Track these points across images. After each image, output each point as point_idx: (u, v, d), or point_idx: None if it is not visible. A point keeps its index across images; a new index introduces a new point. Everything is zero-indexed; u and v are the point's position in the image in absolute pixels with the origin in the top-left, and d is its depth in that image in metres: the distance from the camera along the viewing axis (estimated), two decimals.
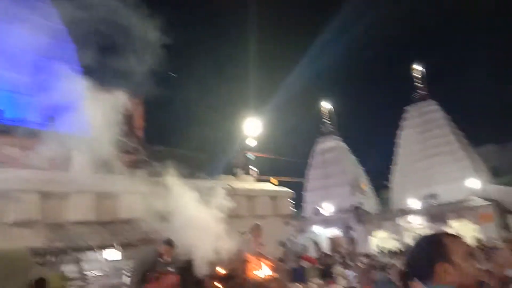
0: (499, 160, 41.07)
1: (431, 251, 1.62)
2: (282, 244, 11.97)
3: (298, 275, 8.36)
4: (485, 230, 20.44)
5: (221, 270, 6.05)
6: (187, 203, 6.04)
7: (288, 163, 25.62)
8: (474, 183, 23.99)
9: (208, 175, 9.77)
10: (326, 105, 31.84)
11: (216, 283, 5.82)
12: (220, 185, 7.58)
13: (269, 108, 22.65)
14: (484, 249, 11.35)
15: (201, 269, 5.89)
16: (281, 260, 8.83)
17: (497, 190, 24.07)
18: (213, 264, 5.95)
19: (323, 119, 31.63)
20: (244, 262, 6.44)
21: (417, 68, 29.82)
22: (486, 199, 22.80)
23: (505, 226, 22.35)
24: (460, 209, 22.95)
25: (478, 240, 17.72)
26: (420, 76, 29.78)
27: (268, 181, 15.27)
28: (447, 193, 24.15)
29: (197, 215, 5.98)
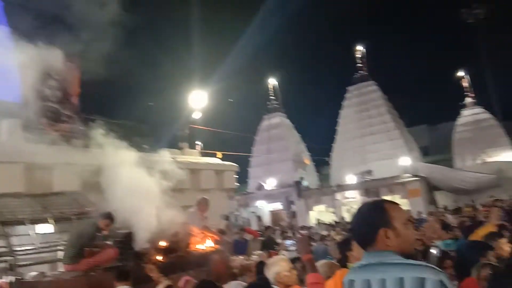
0: (430, 140, 44.28)
1: (374, 217, 1.65)
2: (226, 218, 12.08)
3: (241, 247, 8.49)
4: (414, 204, 22.05)
5: (162, 243, 5.96)
6: (126, 175, 5.81)
7: (234, 137, 25.65)
8: (405, 160, 25.69)
9: (150, 148, 9.45)
10: (272, 82, 32.03)
11: (156, 256, 5.73)
12: (163, 158, 7.38)
13: (216, 81, 22.27)
14: (412, 221, 12.24)
15: (141, 242, 5.76)
16: (223, 233, 8.90)
17: (426, 168, 26.04)
18: (155, 237, 5.84)
19: (270, 96, 31.87)
20: (187, 235, 6.39)
21: (359, 49, 30.75)
22: (415, 176, 24.57)
23: (432, 201, 24.37)
24: (391, 185, 24.52)
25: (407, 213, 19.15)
26: (361, 56, 30.75)
27: (213, 155, 15.21)
28: (381, 170, 25.65)
29: (137, 187, 5.79)
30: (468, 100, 29.76)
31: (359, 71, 30.49)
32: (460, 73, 30.57)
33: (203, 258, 5.99)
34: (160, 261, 5.60)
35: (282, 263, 3.45)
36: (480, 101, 30.30)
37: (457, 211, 15.81)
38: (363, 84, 29.99)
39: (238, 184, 16.56)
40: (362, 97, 29.62)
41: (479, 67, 39.34)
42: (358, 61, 30.61)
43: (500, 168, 24.20)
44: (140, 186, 5.77)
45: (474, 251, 4.03)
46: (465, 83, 30.10)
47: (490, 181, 23.90)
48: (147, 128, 10.96)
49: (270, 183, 28.53)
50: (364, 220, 1.69)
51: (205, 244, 6.54)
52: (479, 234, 5.07)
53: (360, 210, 1.75)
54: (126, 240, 5.75)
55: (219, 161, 13.73)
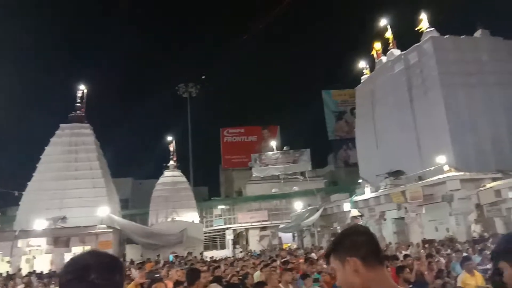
0: (132, 193, 45.82)
1: None
2: None
3: None
4: None
5: None
6: None
7: None
8: (104, 210, 25.37)
9: None
10: None
11: None
12: None
13: None
14: None
15: None
16: None
17: (121, 221, 26.56)
18: None
19: None
20: None
21: (81, 88, 29.58)
22: (110, 227, 24.53)
23: (122, 255, 24.72)
24: (83, 234, 23.48)
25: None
26: (81, 96, 29.51)
27: None
28: (77, 218, 24.27)
29: None
30: (171, 163, 33.27)
31: (77, 111, 29.06)
32: (169, 138, 34.24)
33: None
34: None
35: None
36: (181, 166, 34.52)
37: (142, 264, 16.64)
38: (78, 125, 28.58)
39: None
40: (74, 137, 28.03)
41: (184, 136, 45.33)
42: (78, 100, 29.26)
43: (185, 228, 27.60)
44: None
45: None
46: (171, 148, 33.73)
47: (176, 238, 26.75)
48: None
49: None
50: None
51: None
52: None
53: None
54: None
55: None
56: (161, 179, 32.68)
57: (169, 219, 29.40)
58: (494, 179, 18.57)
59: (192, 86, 49.73)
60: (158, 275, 8.80)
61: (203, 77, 53.30)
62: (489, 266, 7.73)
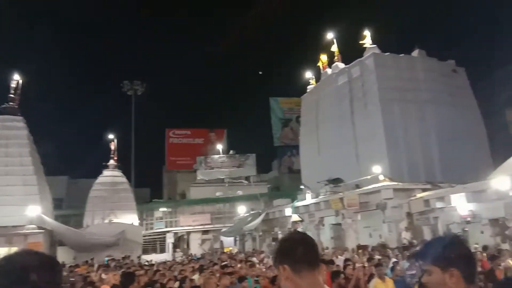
0: (67, 192, 43.40)
1: None
2: None
3: None
4: None
5: None
6: None
7: None
8: (35, 210, 23.74)
9: None
10: None
11: None
12: None
13: None
14: None
15: None
16: None
17: (53, 222, 25.04)
18: None
19: None
20: None
21: (16, 78, 27.46)
22: (40, 228, 23.05)
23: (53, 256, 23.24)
24: (10, 235, 21.89)
25: None
26: (15, 87, 27.42)
27: None
28: (5, 217, 22.54)
29: None
30: (111, 162, 31.95)
31: (10, 103, 26.97)
32: (111, 136, 32.88)
33: None
34: None
35: None
36: (122, 166, 33.26)
37: (75, 267, 15.86)
38: (10, 117, 26.50)
39: None
40: (5, 130, 25.94)
41: (127, 135, 43.85)
42: (12, 91, 27.18)
43: (123, 230, 26.61)
44: None
45: None
46: (112, 146, 32.42)
47: (112, 241, 25.70)
48: None
49: None
50: None
51: None
52: None
53: None
54: None
55: None
56: (100, 179, 31.28)
57: (106, 221, 28.21)
58: (424, 190, 19.92)
59: (138, 83, 48.26)
60: (73, 279, 8.44)
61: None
62: (416, 271, 8.08)
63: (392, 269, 8.34)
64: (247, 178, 44.53)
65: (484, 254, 10.82)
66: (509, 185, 14.18)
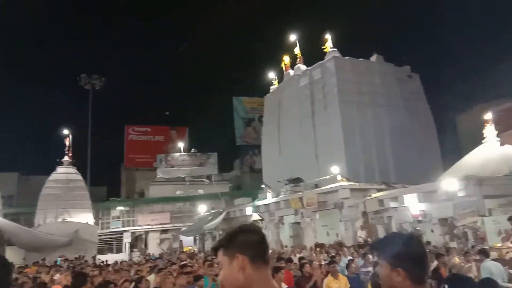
0: (18, 189, 41.21)
1: None
2: None
3: None
4: None
5: None
6: None
7: None
8: None
9: None
10: None
11: None
12: None
13: None
14: None
15: None
16: None
17: (1, 220, 23.75)
18: None
19: None
20: None
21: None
22: None
23: None
24: None
25: None
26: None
27: None
28: None
29: None
30: (66, 158, 30.66)
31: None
32: (65, 132, 31.53)
33: None
34: None
35: None
36: (77, 162, 31.99)
37: (23, 268, 15.13)
38: None
39: None
40: None
41: (83, 131, 42.25)
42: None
43: (77, 229, 25.66)
44: None
45: None
46: (67, 142, 31.11)
47: (65, 241, 24.71)
48: None
49: None
50: None
51: None
52: None
53: None
54: None
55: None
56: (53, 176, 29.95)
57: (59, 220, 27.07)
58: (379, 190, 20.67)
59: (96, 77, 46.55)
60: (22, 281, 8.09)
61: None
62: (370, 269, 8.39)
63: (347, 266, 8.60)
64: (208, 177, 44.21)
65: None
66: (457, 187, 15.00)
